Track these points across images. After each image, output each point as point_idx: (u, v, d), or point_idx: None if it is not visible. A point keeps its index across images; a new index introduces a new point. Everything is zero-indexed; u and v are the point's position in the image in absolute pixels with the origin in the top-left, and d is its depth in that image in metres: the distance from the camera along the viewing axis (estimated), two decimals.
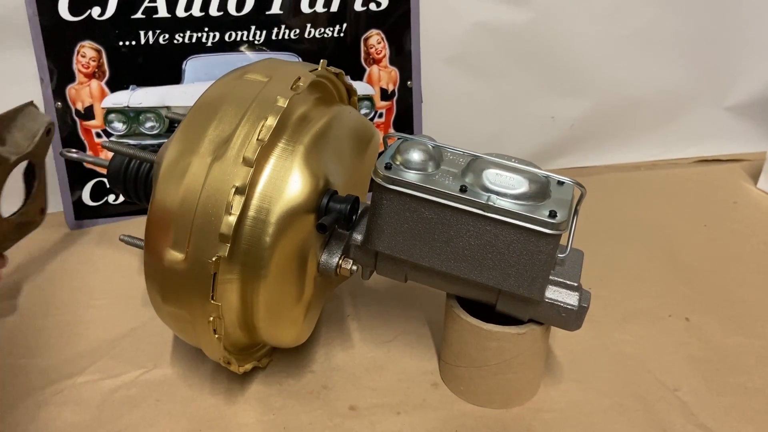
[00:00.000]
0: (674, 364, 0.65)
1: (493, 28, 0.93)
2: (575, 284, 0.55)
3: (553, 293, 0.55)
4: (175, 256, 0.49)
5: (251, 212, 0.50)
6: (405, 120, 0.94)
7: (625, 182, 1.02)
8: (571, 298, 0.55)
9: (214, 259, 0.48)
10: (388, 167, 0.53)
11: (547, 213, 0.50)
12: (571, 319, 0.55)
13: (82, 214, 0.88)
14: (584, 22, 0.96)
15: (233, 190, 0.48)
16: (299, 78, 0.53)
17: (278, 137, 0.52)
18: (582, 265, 0.57)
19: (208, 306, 0.50)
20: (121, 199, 0.89)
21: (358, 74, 0.90)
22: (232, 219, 0.48)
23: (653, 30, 0.99)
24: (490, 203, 0.50)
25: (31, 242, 0.84)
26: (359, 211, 0.57)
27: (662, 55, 1.01)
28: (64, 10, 0.80)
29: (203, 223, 0.48)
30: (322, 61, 0.57)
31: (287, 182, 0.51)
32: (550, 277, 0.55)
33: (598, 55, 0.98)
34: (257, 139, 0.49)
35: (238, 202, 0.48)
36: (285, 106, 0.50)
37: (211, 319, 0.50)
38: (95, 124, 0.85)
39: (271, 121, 0.49)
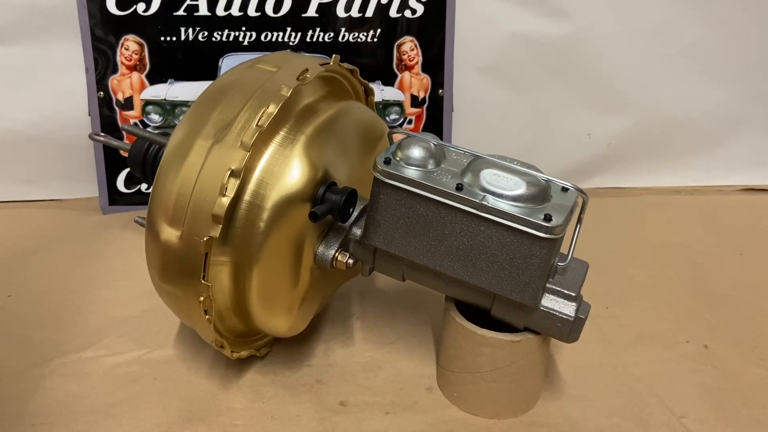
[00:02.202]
0: (684, 390, 0.62)
1: (530, 40, 0.92)
2: (573, 294, 0.53)
3: (549, 302, 0.53)
4: (171, 234, 0.51)
5: (247, 197, 0.51)
6: (435, 128, 0.93)
7: (662, 205, 0.98)
8: (567, 308, 0.53)
9: (205, 239, 0.49)
10: (387, 162, 0.53)
11: (543, 216, 0.49)
12: (567, 330, 0.53)
13: (115, 200, 0.91)
14: (626, 38, 0.93)
15: (228, 172, 0.49)
16: (306, 70, 0.54)
17: (280, 125, 0.52)
18: (585, 277, 0.55)
19: (199, 286, 0.50)
20: None
21: (390, 80, 0.91)
22: (225, 200, 0.49)
23: (701, 49, 0.95)
24: (484, 203, 0.50)
25: (65, 224, 0.88)
26: (361, 207, 0.58)
27: (709, 76, 0.97)
28: (111, 5, 0.84)
29: (198, 203, 0.50)
30: (334, 56, 0.58)
31: (285, 170, 0.52)
32: (548, 285, 0.53)
33: (640, 73, 0.96)
34: (257, 125, 0.50)
35: (232, 184, 0.49)
36: (288, 95, 0.51)
37: (202, 299, 0.51)
38: (134, 114, 0.89)
39: (272, 109, 0.50)
